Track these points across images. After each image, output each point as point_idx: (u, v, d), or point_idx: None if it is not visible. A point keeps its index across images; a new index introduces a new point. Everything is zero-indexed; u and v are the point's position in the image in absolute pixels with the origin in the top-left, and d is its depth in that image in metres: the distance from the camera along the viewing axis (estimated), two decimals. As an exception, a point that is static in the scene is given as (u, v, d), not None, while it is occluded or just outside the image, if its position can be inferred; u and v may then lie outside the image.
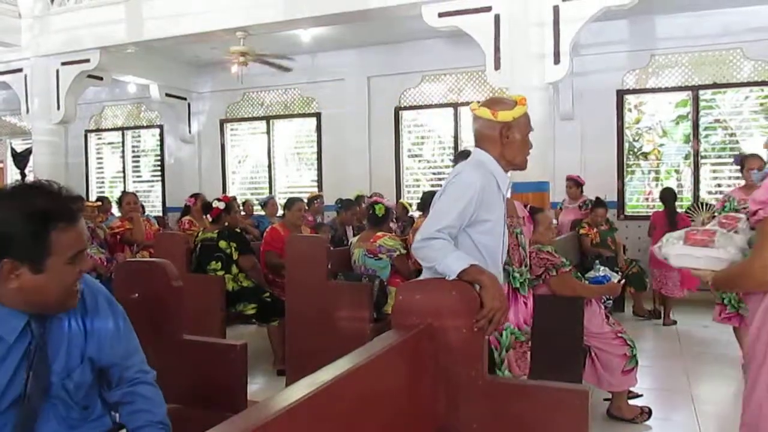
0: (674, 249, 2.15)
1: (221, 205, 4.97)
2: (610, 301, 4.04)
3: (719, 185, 7.81)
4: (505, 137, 2.17)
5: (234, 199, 5.93)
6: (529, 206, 4.27)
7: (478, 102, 2.24)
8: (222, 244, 4.72)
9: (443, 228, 2.02)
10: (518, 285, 2.88)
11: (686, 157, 7.89)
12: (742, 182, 4.60)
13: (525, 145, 2.22)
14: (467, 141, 8.90)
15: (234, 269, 4.69)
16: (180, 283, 2.37)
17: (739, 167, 4.80)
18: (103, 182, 11.47)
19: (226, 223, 4.94)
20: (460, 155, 4.37)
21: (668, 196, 6.48)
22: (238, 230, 5.02)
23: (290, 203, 5.41)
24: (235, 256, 4.70)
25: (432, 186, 8.91)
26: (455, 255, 1.96)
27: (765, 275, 1.67)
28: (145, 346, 1.69)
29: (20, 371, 1.41)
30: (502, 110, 2.16)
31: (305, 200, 6.46)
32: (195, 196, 6.47)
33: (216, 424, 1.06)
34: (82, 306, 1.51)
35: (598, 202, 6.55)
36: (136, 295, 2.34)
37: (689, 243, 2.11)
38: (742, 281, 1.84)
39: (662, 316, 6.32)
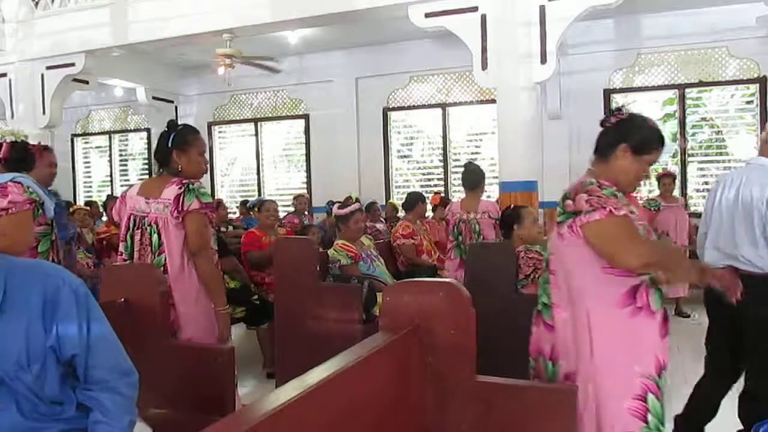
0: None
1: None
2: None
3: (707, 183, 7.86)
4: None
5: (220, 201, 5.93)
6: (513, 204, 4.32)
7: None
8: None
9: None
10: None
11: (673, 156, 7.93)
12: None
13: None
14: (455, 141, 8.93)
15: (219, 271, 4.67)
16: (166, 287, 2.37)
17: None
18: (90, 187, 11.38)
19: None
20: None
21: None
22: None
23: (260, 205, 5.53)
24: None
25: (421, 186, 8.91)
26: None
27: None
28: (131, 351, 1.67)
29: None
30: None
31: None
32: None
33: (203, 428, 1.05)
34: (42, 299, 1.49)
35: None
36: (123, 299, 2.33)
37: None
38: None
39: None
